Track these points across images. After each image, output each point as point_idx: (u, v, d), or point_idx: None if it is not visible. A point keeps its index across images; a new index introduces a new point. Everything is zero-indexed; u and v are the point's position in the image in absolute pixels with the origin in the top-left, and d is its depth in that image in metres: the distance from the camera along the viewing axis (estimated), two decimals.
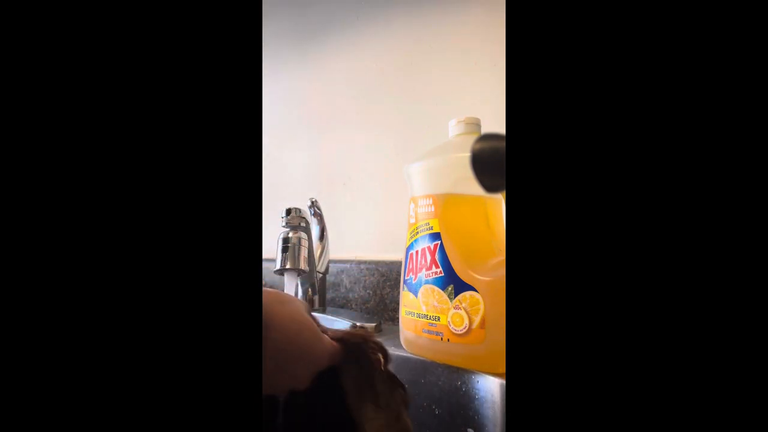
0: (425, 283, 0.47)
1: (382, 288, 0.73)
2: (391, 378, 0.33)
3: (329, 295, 0.78)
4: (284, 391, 0.29)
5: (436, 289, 0.46)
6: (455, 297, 0.44)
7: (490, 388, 0.41)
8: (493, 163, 0.24)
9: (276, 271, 0.65)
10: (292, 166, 0.93)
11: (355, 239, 0.82)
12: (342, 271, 0.78)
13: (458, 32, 0.72)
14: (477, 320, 0.43)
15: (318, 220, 0.72)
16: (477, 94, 0.69)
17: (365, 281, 0.75)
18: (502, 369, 0.41)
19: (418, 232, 0.49)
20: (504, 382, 0.40)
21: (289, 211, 0.67)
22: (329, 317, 0.65)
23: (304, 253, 0.65)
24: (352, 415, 0.30)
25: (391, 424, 0.30)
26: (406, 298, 0.50)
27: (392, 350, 0.51)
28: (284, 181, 0.94)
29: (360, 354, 0.31)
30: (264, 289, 0.26)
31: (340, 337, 0.32)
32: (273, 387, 0.28)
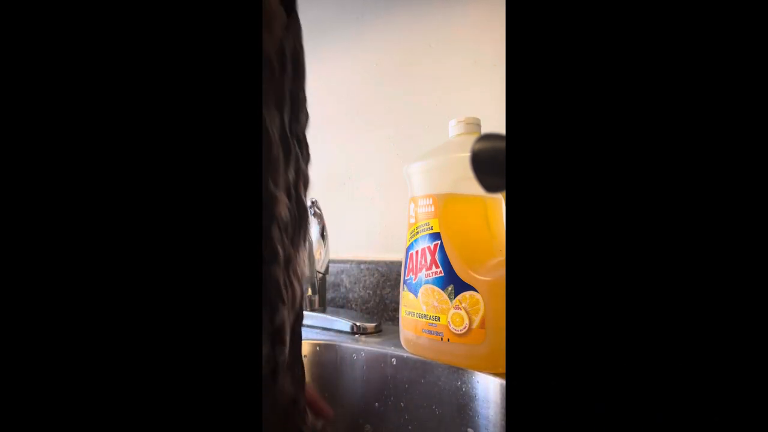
0: (425, 283, 0.47)
1: (382, 288, 0.73)
2: None
3: (329, 295, 0.78)
4: None
5: (436, 289, 0.46)
6: (455, 297, 0.44)
7: (490, 388, 0.41)
8: (493, 163, 0.24)
9: None
10: None
11: (355, 239, 0.82)
12: (342, 271, 0.78)
13: (458, 32, 0.72)
14: (477, 320, 0.43)
15: (318, 220, 0.72)
16: (477, 94, 0.69)
17: (365, 281, 0.75)
18: (502, 369, 0.41)
19: (418, 232, 0.49)
20: (504, 382, 0.40)
21: None
22: (329, 317, 0.65)
23: None
24: None
25: None
26: (406, 298, 0.50)
27: (392, 350, 0.51)
28: None
29: None
30: None
31: None
32: None
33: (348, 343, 0.55)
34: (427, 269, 0.47)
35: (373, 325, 0.62)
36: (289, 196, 0.25)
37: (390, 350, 0.52)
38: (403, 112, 0.77)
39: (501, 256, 0.45)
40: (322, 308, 0.71)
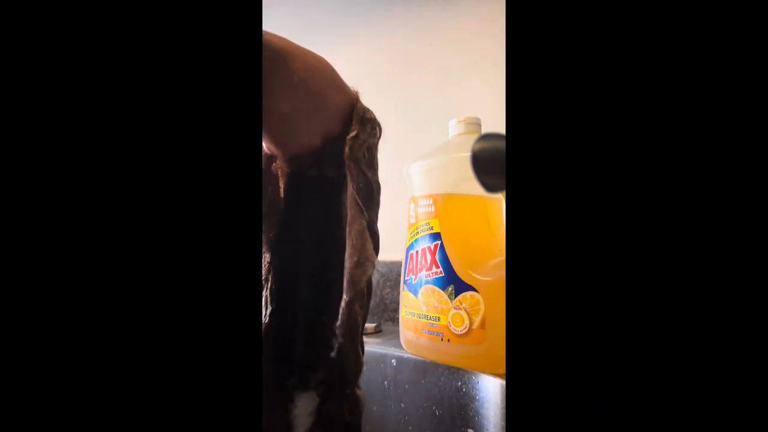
0: (425, 284, 0.47)
1: (382, 288, 0.73)
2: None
3: None
4: (295, 148, 0.27)
5: (437, 289, 0.46)
6: (455, 297, 0.44)
7: (490, 388, 0.41)
8: (493, 163, 0.24)
9: None
10: None
11: None
12: None
13: (458, 31, 0.72)
14: (477, 320, 0.43)
15: None
16: (477, 93, 0.69)
17: None
18: (502, 369, 0.41)
19: (418, 232, 0.49)
20: (504, 382, 0.40)
21: None
22: None
23: None
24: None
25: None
26: (406, 298, 0.50)
27: (392, 350, 0.51)
28: None
29: (366, 121, 0.30)
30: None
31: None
32: (284, 138, 0.25)
33: None
34: (427, 269, 0.47)
35: (373, 325, 0.62)
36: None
37: (390, 350, 0.52)
38: (403, 112, 0.77)
39: (501, 256, 0.45)
40: None
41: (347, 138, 0.29)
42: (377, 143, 0.31)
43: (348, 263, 0.28)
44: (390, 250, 0.76)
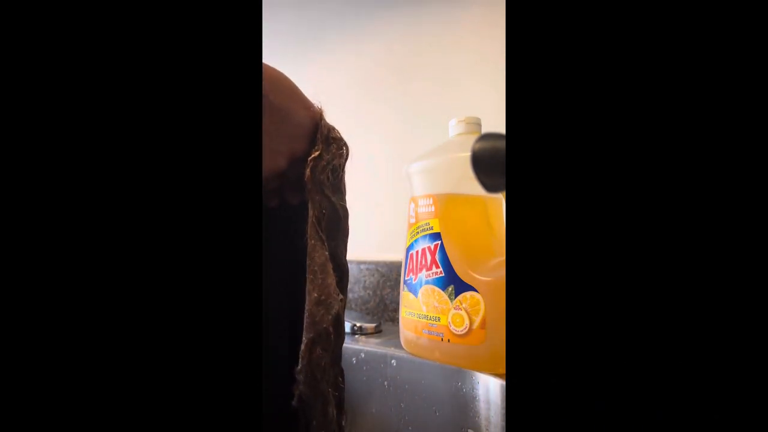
0: (425, 284, 0.47)
1: (382, 288, 0.73)
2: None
3: None
4: (265, 171, 0.25)
5: (437, 289, 0.46)
6: (456, 297, 0.44)
7: (491, 388, 0.41)
8: (493, 163, 0.24)
9: None
10: None
11: (355, 239, 0.81)
12: None
13: (458, 32, 0.72)
14: (477, 321, 0.43)
15: None
16: (477, 93, 0.69)
17: (365, 281, 0.75)
18: (503, 369, 0.41)
19: (418, 232, 0.49)
20: (504, 382, 0.40)
21: None
22: None
23: None
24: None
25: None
26: (406, 298, 0.50)
27: (392, 350, 0.51)
28: None
29: (331, 141, 0.27)
30: None
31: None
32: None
33: (348, 344, 0.55)
34: (427, 269, 0.47)
35: (373, 325, 0.62)
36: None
37: (390, 351, 0.52)
38: (404, 111, 0.77)
39: (501, 256, 0.45)
40: None
41: (309, 158, 0.26)
42: (344, 164, 0.29)
43: (308, 300, 0.25)
44: (390, 250, 0.76)
